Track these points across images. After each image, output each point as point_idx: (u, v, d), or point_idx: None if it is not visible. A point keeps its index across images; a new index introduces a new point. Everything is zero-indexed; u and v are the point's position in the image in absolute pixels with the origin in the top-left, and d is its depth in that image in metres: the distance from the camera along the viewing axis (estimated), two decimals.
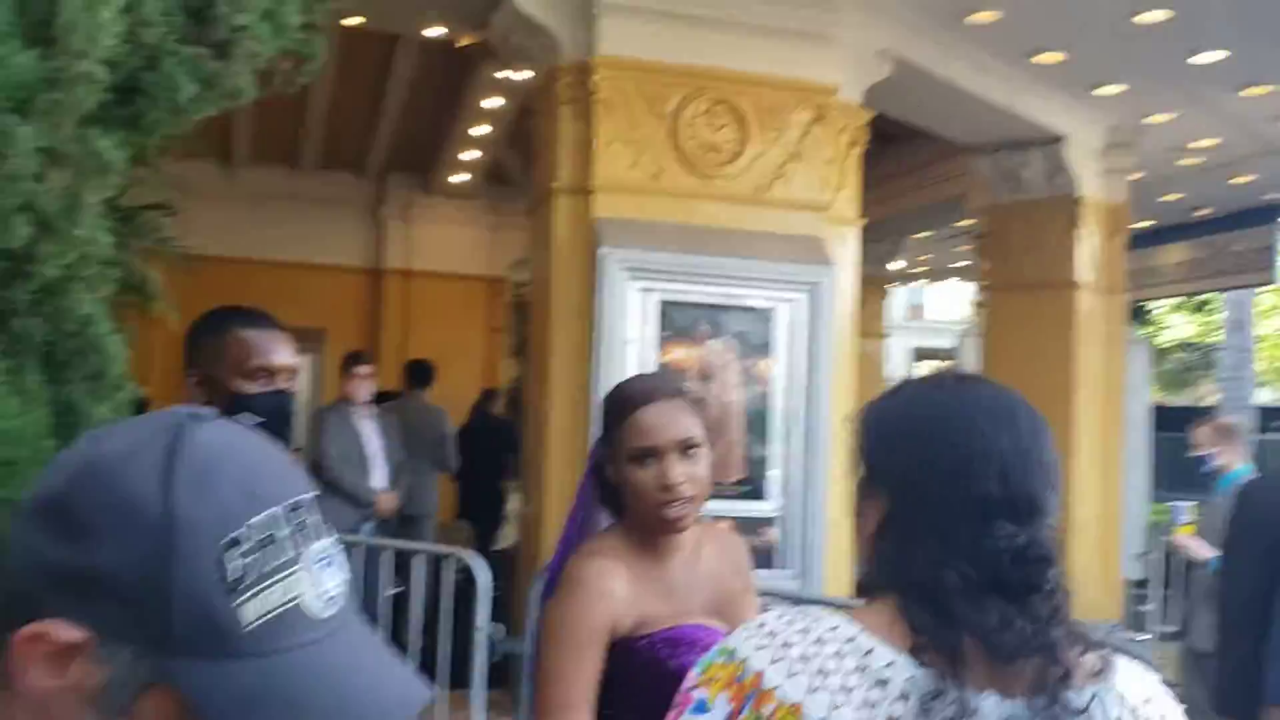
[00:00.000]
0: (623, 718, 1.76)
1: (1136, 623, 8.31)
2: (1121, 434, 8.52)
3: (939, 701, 1.05)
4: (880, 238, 10.28)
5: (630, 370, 5.57)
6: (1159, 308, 19.48)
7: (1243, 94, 6.98)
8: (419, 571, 4.75)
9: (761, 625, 1.16)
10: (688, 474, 1.83)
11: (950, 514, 1.13)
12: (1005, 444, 1.15)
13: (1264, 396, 18.59)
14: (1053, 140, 7.91)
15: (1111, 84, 7.21)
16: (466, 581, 4.64)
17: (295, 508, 0.78)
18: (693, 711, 1.14)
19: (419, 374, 8.04)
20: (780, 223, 5.87)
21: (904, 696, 1.05)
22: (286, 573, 0.75)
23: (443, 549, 4.64)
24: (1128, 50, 6.56)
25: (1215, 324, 21.58)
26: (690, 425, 1.86)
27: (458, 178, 11.15)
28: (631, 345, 5.60)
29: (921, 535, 1.14)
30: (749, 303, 5.76)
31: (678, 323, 5.73)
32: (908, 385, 1.31)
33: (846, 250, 6.30)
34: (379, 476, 6.58)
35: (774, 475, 5.76)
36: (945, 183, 9.62)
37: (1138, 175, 8.51)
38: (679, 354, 5.74)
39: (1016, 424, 1.18)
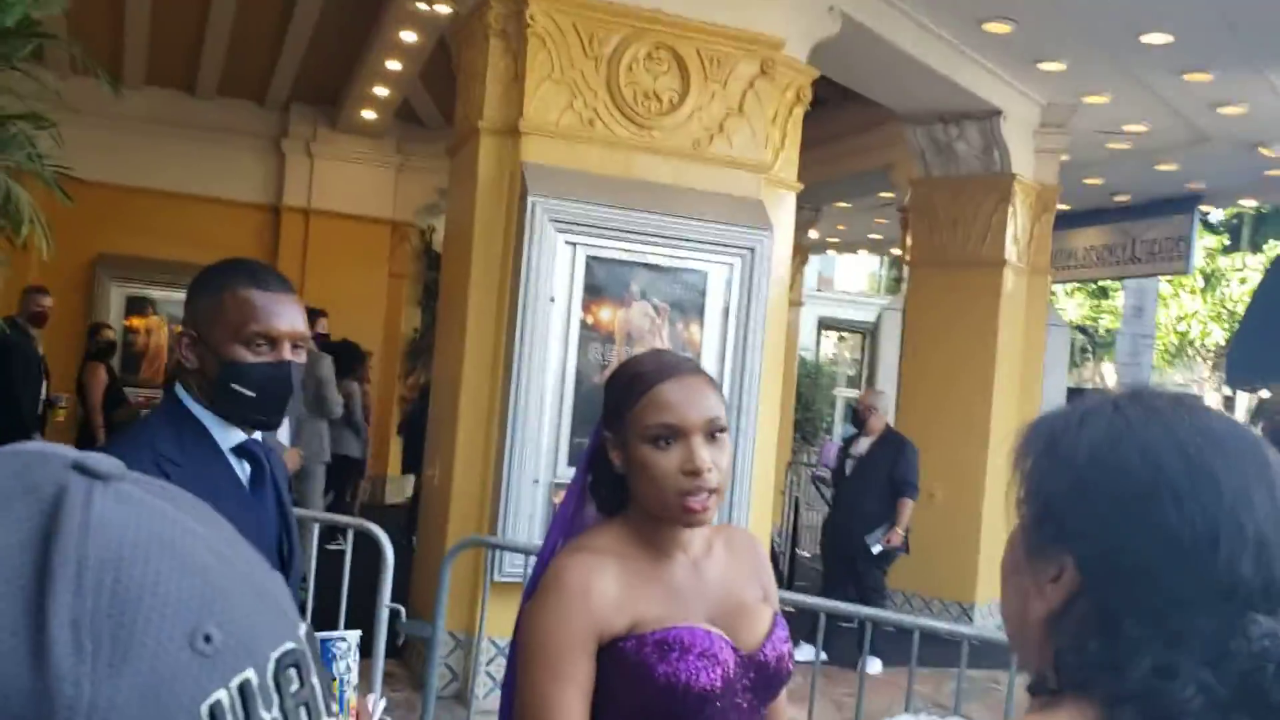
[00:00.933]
0: None
1: None
2: (1039, 407, 8.47)
3: None
4: (802, 204, 10.07)
5: (554, 330, 5.21)
6: (1055, 290, 19.82)
7: (1186, 78, 6.88)
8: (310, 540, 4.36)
9: None
10: (714, 459, 1.56)
11: (1184, 603, 0.81)
12: (1261, 504, 0.83)
13: (1155, 381, 19.00)
14: (989, 115, 7.75)
15: (1055, 60, 7.06)
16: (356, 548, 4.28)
17: (287, 661, 0.48)
18: None
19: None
20: (719, 181, 5.54)
21: None
22: None
23: (347, 520, 4.24)
24: (1077, 24, 6.38)
25: (1109, 309, 22.10)
26: (718, 405, 1.61)
27: (367, 114, 10.57)
28: (556, 303, 5.23)
29: (1137, 626, 0.82)
30: (682, 264, 5.42)
31: (604, 281, 5.37)
32: (1102, 408, 0.91)
33: (784, 214, 6.02)
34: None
35: None
36: (873, 152, 9.43)
37: (1066, 156, 8.43)
38: (604, 315, 5.39)
39: (1270, 475, 0.84)
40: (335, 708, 1.75)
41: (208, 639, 0.45)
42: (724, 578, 1.66)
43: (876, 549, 6.89)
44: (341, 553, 4.30)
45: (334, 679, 1.76)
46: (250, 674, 0.46)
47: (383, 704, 1.92)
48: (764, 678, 1.59)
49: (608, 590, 1.54)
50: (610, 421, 1.65)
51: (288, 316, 1.80)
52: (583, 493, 1.73)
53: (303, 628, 0.51)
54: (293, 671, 0.48)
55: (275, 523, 1.87)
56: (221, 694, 0.45)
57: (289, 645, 0.49)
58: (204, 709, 0.44)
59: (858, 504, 6.96)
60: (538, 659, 1.52)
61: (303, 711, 0.48)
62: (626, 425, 1.60)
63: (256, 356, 1.76)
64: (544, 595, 1.56)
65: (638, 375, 1.63)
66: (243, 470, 1.82)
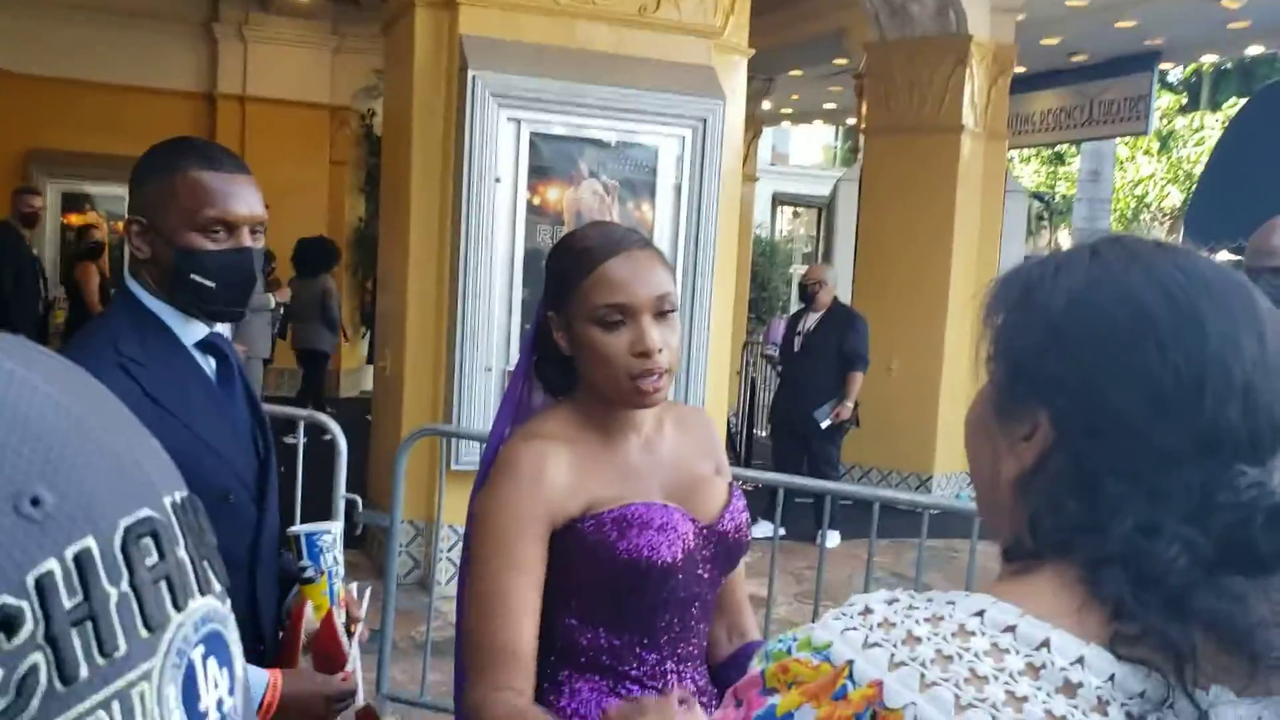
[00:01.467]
0: (565, 612, 1.52)
1: None
2: (996, 277, 8.42)
3: (1165, 712, 0.73)
4: (754, 73, 9.82)
5: (501, 213, 5.03)
6: (1011, 156, 19.72)
7: None
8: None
9: (867, 611, 0.78)
10: (664, 339, 1.50)
11: (1166, 456, 0.76)
12: (1248, 350, 0.76)
13: None
14: None
15: None
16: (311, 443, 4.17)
17: (140, 530, 0.43)
18: (764, 715, 0.75)
19: None
20: (667, 48, 5.32)
21: (1102, 705, 0.72)
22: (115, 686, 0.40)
23: (299, 413, 4.11)
24: None
25: (1065, 175, 22.03)
26: (667, 281, 1.54)
27: None
28: (502, 184, 5.04)
29: (1117, 483, 0.77)
30: (631, 138, 5.23)
31: (550, 158, 5.18)
32: (1080, 254, 0.85)
33: (736, 82, 5.81)
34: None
35: None
36: (826, 15, 9.15)
37: (1023, 16, 8.21)
38: (552, 195, 5.22)
39: (1259, 320, 0.78)
40: (328, 593, 1.67)
41: (35, 502, 0.40)
42: (676, 454, 1.62)
43: (825, 423, 6.89)
44: (295, 447, 4.19)
45: (322, 572, 1.73)
46: (90, 542, 0.41)
47: (368, 592, 1.91)
48: (724, 548, 1.57)
49: (559, 475, 1.50)
50: (554, 301, 1.56)
51: (245, 199, 1.67)
52: (528, 376, 1.66)
53: (175, 497, 0.46)
54: (149, 542, 0.43)
55: (248, 419, 1.76)
56: (52, 563, 0.40)
57: (145, 514, 0.43)
58: (30, 579, 0.39)
59: (808, 380, 6.93)
60: (490, 546, 1.48)
61: (163, 586, 0.43)
62: (572, 305, 1.52)
63: (215, 244, 1.63)
64: (495, 482, 1.51)
65: (583, 251, 1.52)
66: (208, 366, 1.70)
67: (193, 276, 1.62)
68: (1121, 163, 19.80)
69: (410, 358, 5.27)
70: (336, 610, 1.75)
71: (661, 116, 5.19)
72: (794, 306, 20.62)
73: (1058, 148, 19.62)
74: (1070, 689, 0.71)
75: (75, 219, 11.32)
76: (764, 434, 10.70)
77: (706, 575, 1.55)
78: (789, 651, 0.78)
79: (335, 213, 11.60)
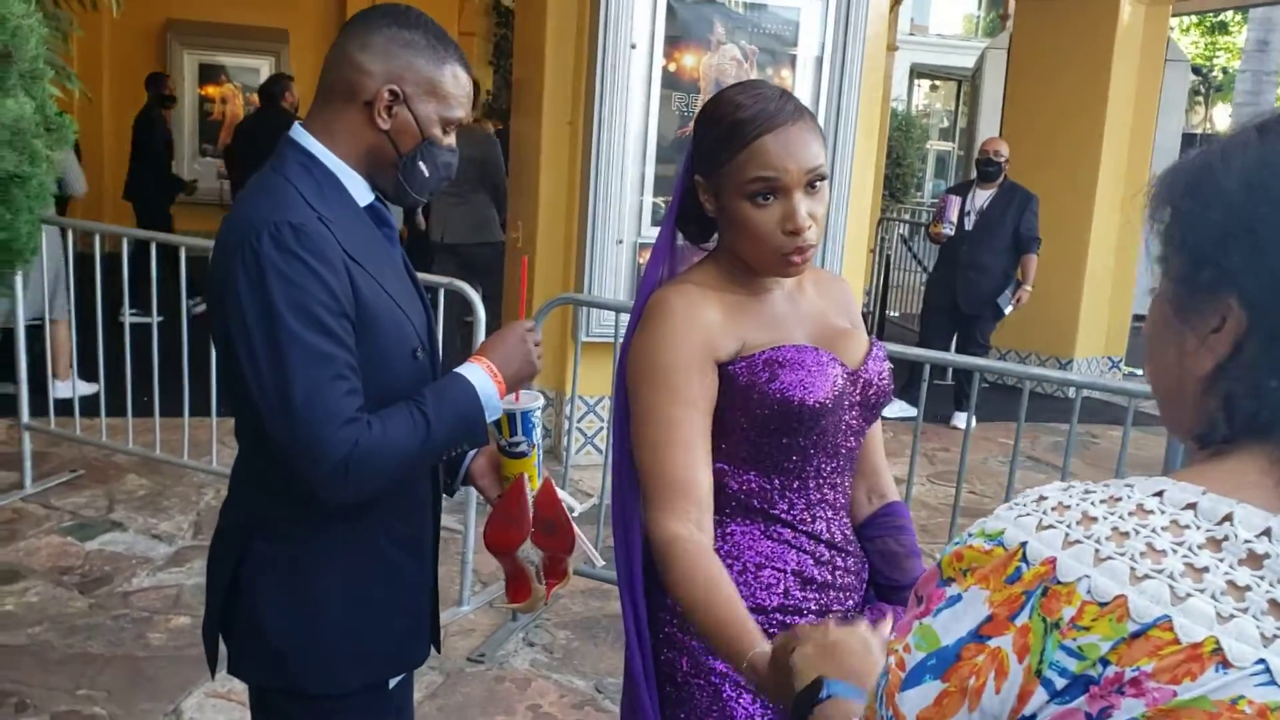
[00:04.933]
0: (716, 456, 1.53)
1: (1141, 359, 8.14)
2: (1150, 158, 7.97)
3: None
4: None
5: (635, 80, 4.92)
6: (1170, 26, 18.48)
7: None
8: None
9: (1041, 499, 0.77)
10: (812, 212, 1.50)
11: None
12: None
13: None
14: None
15: None
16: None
17: None
18: (945, 607, 0.76)
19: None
20: None
21: None
22: None
23: (438, 280, 4.14)
24: None
25: (1227, 45, 20.57)
26: (819, 153, 1.51)
27: None
28: (637, 50, 4.91)
29: None
30: (771, 1, 5.01)
31: (687, 23, 5.01)
32: (1245, 136, 0.81)
33: None
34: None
35: None
36: None
37: None
38: (688, 61, 5.07)
39: None
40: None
41: None
42: (818, 309, 1.65)
43: (1009, 309, 6.63)
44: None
45: (534, 445, 1.74)
46: None
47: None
48: (868, 394, 1.60)
49: (713, 316, 1.52)
50: (703, 166, 1.55)
51: (469, 105, 1.70)
52: (674, 231, 1.66)
53: None
54: None
55: (410, 282, 1.75)
56: None
57: None
58: None
59: (979, 260, 6.58)
60: (655, 384, 1.49)
61: None
62: (721, 175, 1.52)
63: (446, 139, 1.66)
64: (651, 324, 1.53)
65: (736, 124, 1.50)
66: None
67: (421, 164, 1.63)
68: None
69: (542, 229, 5.25)
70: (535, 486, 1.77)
71: None
72: (928, 185, 19.95)
73: (1222, 15, 18.27)
74: (1256, 560, 0.70)
75: (212, 90, 11.53)
76: (896, 314, 10.47)
77: (854, 421, 1.59)
78: (966, 544, 0.78)
79: None
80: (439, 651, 1.89)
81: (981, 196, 6.66)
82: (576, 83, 5.08)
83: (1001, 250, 6.54)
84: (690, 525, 1.43)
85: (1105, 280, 7.83)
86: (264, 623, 1.61)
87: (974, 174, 6.91)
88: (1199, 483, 0.75)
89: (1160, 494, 0.74)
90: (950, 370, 6.83)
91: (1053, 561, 0.72)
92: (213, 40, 11.16)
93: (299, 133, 1.62)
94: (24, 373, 4.73)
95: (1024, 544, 0.74)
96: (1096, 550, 0.71)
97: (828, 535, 1.58)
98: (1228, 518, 0.72)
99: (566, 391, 4.71)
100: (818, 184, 1.50)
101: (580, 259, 5.10)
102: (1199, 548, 0.70)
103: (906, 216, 14.16)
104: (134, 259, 5.01)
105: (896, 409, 6.28)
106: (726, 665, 1.47)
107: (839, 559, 1.59)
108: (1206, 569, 0.69)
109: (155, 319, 4.54)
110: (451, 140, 1.67)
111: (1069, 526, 0.73)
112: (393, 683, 1.74)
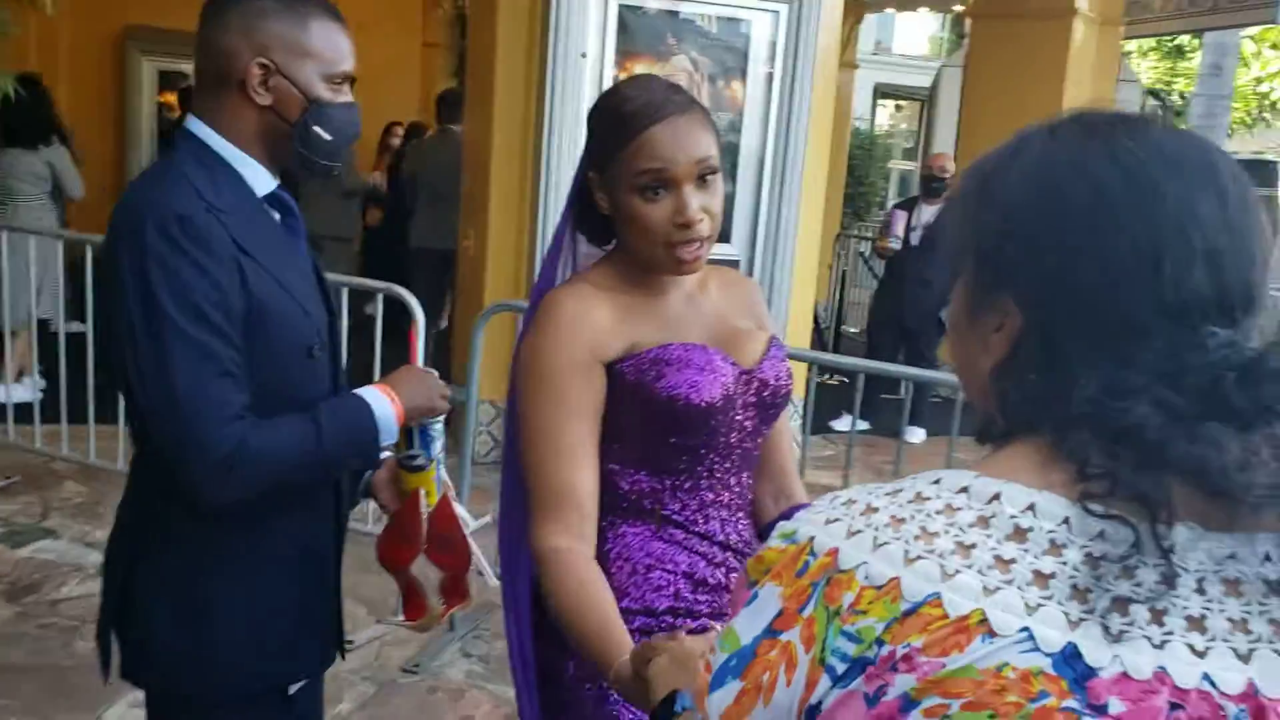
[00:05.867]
0: (607, 457, 1.51)
1: None
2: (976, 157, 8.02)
3: (1130, 551, 0.71)
4: None
5: (587, 89, 4.90)
6: (1128, 51, 18.74)
7: None
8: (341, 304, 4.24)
9: (836, 497, 0.80)
10: (705, 206, 1.48)
11: (1132, 326, 0.76)
12: (1208, 214, 0.76)
13: (1232, 147, 18.18)
14: None
15: None
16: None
17: None
18: (745, 606, 0.79)
19: None
20: None
21: (1056, 548, 0.72)
22: None
23: (376, 284, 4.10)
24: None
25: (1185, 70, 20.89)
26: (709, 144, 1.49)
27: None
28: (588, 59, 4.90)
29: (1084, 356, 0.77)
30: (722, 12, 5.02)
31: (638, 34, 5.01)
32: (1038, 134, 0.83)
33: None
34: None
35: (740, 214, 5.22)
36: None
37: None
38: (639, 71, 5.06)
39: (1219, 182, 0.77)
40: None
41: None
42: (719, 310, 1.62)
43: None
44: (373, 321, 4.18)
45: (432, 460, 1.71)
46: None
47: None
48: (764, 395, 1.57)
49: (602, 317, 1.50)
50: (595, 161, 1.53)
51: (352, 56, 1.62)
52: (572, 230, 1.63)
53: None
54: None
55: (312, 275, 1.70)
56: None
57: None
58: None
59: (922, 274, 6.60)
60: (538, 389, 1.47)
61: None
62: (612, 170, 1.49)
63: (338, 97, 1.58)
64: (539, 327, 1.50)
65: (624, 117, 1.48)
66: (274, 218, 1.63)
67: (316, 129, 1.56)
68: (1246, 58, 18.65)
69: (493, 236, 5.23)
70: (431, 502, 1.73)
71: None
72: (890, 203, 20.05)
73: (1177, 40, 18.56)
74: (1020, 534, 0.72)
75: (170, 97, 11.41)
76: (854, 329, 10.51)
77: (748, 422, 1.55)
78: (768, 547, 0.80)
79: (426, 96, 11.52)
80: (343, 659, 1.84)
81: (927, 212, 6.70)
82: (528, 89, 5.06)
83: (946, 265, 6.55)
84: (570, 536, 1.41)
85: None
86: (155, 626, 1.57)
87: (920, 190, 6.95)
88: (977, 470, 0.77)
89: (938, 481, 0.76)
90: (903, 385, 6.85)
91: (835, 551, 0.74)
92: (172, 47, 11.05)
93: (193, 122, 1.58)
94: None
95: (812, 538, 0.76)
96: (874, 537, 0.74)
97: (721, 536, 1.55)
98: (995, 497, 0.74)
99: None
100: (709, 177, 1.48)
101: (530, 265, 5.08)
102: (969, 526, 0.73)
103: (868, 234, 14.22)
104: (72, 268, 4.94)
105: (845, 423, 6.29)
106: None
107: (733, 560, 1.56)
108: (974, 545, 0.71)
109: (91, 327, 4.47)
110: (347, 96, 1.60)
111: (853, 518, 0.76)
112: (293, 689, 1.70)
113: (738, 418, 1.53)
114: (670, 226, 1.46)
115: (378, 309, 4.14)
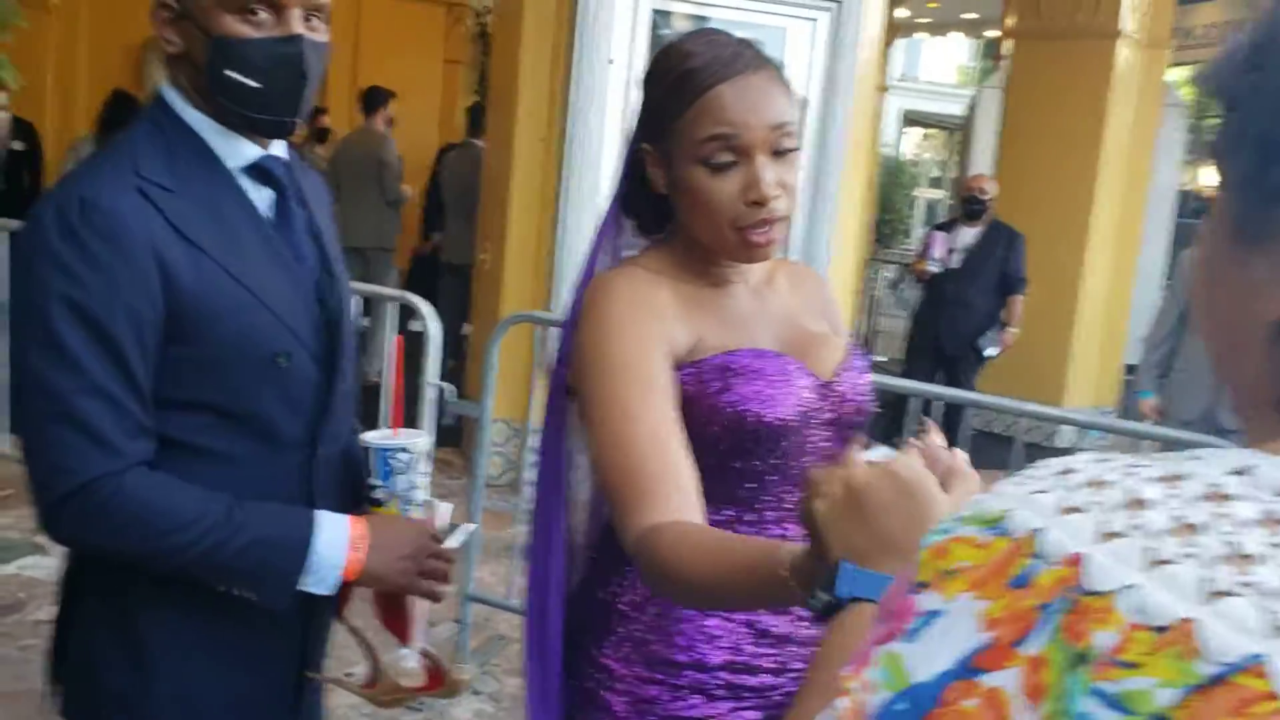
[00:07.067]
0: None
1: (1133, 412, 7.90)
2: (1144, 206, 7.79)
3: None
4: None
5: (612, 97, 4.69)
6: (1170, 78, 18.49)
7: None
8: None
9: (1068, 470, 0.53)
10: (781, 180, 1.23)
11: None
12: None
13: None
14: None
15: None
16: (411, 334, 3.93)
17: None
18: (920, 626, 0.51)
19: (367, 100, 7.42)
20: None
21: None
22: None
23: (387, 291, 3.87)
24: None
25: None
26: (787, 109, 1.24)
27: None
28: (615, 66, 4.70)
29: None
30: (758, 20, 4.81)
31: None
32: None
33: None
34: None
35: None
36: None
37: None
38: None
39: None
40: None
41: None
42: (789, 309, 1.37)
43: (991, 351, 6.40)
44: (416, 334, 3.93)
45: (393, 495, 1.40)
46: None
47: (454, 520, 1.51)
48: (843, 410, 1.32)
49: (666, 301, 1.26)
50: (649, 131, 1.28)
51: None
52: (619, 216, 1.38)
53: None
54: None
55: (314, 266, 1.40)
56: None
57: None
58: None
59: (964, 301, 6.34)
60: (607, 371, 1.20)
61: None
62: (671, 139, 1.25)
63: (256, 30, 1.26)
64: (594, 310, 1.24)
65: (686, 75, 1.23)
66: (261, 197, 1.35)
67: (228, 73, 1.25)
68: None
69: (511, 251, 5.02)
70: None
71: None
72: (916, 232, 19.84)
73: None
74: None
75: None
76: (884, 358, 10.25)
77: (823, 444, 1.30)
78: (953, 534, 0.53)
79: (447, 112, 11.40)
80: (299, 715, 1.56)
81: (967, 234, 6.45)
82: (551, 97, 4.86)
83: (987, 289, 6.33)
84: (670, 513, 1.11)
85: (1096, 327, 7.63)
86: (94, 667, 1.33)
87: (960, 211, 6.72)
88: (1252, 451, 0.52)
89: (1242, 472, 0.50)
90: (939, 415, 6.61)
91: (1078, 560, 0.48)
92: None
93: (165, 89, 1.33)
94: None
95: (1037, 531, 0.50)
96: (1147, 548, 0.48)
97: None
98: None
99: (530, 421, 4.43)
100: (786, 146, 1.23)
101: (550, 281, 4.87)
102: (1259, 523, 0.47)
103: (895, 260, 14.02)
104: None
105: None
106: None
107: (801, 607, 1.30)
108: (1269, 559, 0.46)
109: None
110: (284, 27, 1.27)
111: (1105, 510, 0.49)
112: None
113: (813, 438, 1.29)
114: (740, 204, 1.22)
115: (388, 322, 3.90)
